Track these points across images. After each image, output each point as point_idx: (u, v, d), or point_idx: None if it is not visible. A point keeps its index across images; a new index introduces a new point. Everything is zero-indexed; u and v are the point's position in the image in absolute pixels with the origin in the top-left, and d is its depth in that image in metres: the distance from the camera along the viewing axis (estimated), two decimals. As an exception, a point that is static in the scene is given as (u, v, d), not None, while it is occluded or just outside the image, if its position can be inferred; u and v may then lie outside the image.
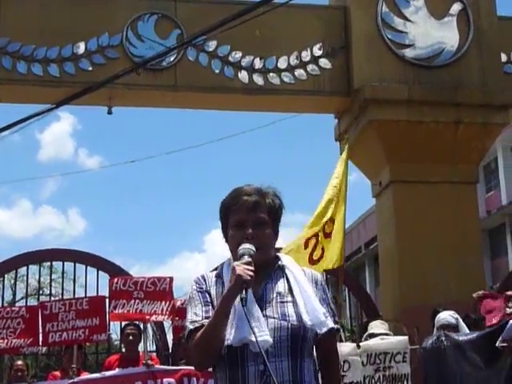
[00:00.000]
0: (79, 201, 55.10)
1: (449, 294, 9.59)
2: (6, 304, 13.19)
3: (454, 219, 10.42)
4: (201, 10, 10.44)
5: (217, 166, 54.73)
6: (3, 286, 11.42)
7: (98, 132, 58.70)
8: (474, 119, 10.64)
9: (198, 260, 54.26)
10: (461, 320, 7.65)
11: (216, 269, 3.06)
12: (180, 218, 58.01)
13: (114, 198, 57.47)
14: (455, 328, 7.57)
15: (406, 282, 10.18)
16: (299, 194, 50.50)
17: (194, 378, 7.17)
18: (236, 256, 2.84)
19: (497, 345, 5.17)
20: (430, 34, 10.90)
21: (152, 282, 7.76)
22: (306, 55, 10.70)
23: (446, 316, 7.69)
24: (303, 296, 2.86)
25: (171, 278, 7.91)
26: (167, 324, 9.47)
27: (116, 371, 7.55)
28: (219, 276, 2.95)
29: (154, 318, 7.80)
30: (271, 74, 10.59)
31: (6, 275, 11.89)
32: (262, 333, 2.70)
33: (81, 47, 10.22)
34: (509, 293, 8.00)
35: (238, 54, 10.54)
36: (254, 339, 2.69)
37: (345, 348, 7.09)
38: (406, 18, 10.92)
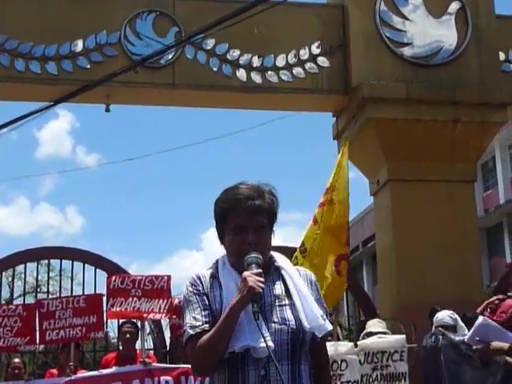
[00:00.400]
0: (77, 198, 55.05)
1: (446, 293, 9.60)
2: (3, 302, 13.20)
3: (452, 218, 10.42)
4: (199, 8, 10.43)
5: (215, 164, 54.70)
6: (0, 283, 11.40)
7: (96, 130, 58.66)
8: (472, 118, 10.64)
9: (196, 258, 54.24)
10: (459, 320, 7.65)
11: (211, 267, 3.00)
12: (178, 216, 58.00)
13: (111, 195, 57.44)
14: (453, 328, 7.57)
15: (403, 281, 10.19)
16: (297, 193, 50.50)
17: (192, 377, 7.18)
18: (238, 263, 2.82)
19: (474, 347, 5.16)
20: (428, 33, 10.89)
21: (150, 281, 7.76)
22: (304, 53, 10.70)
23: (445, 316, 7.69)
24: (301, 298, 2.84)
25: (169, 277, 7.91)
26: (165, 322, 9.49)
27: (113, 369, 7.56)
28: (214, 276, 2.90)
29: (151, 316, 7.80)
30: (269, 73, 10.59)
31: (3, 273, 11.87)
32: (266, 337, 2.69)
33: (79, 45, 10.20)
34: None
35: (236, 52, 10.54)
36: (256, 345, 2.68)
37: (342, 347, 7.10)
38: (404, 17, 10.92)
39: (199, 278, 2.90)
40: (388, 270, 10.75)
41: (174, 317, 8.13)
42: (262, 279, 2.70)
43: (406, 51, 10.79)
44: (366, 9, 10.80)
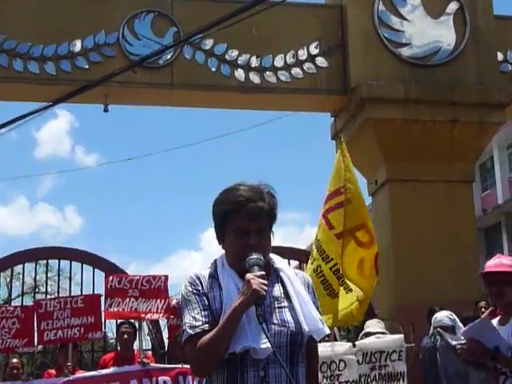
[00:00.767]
0: (76, 198, 55.05)
1: (444, 293, 9.61)
2: (1, 302, 13.19)
3: (450, 218, 10.43)
4: (197, 8, 10.43)
5: (213, 164, 54.68)
6: (-1, 284, 11.39)
7: (96, 130, 58.62)
8: (471, 118, 10.65)
9: (195, 258, 54.21)
10: (458, 321, 7.65)
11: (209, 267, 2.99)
12: (177, 216, 57.95)
13: (110, 195, 57.39)
14: (452, 329, 7.58)
15: (401, 281, 10.19)
16: (296, 193, 50.52)
17: (190, 377, 7.17)
18: (239, 264, 2.80)
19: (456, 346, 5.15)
20: (427, 33, 10.91)
21: (147, 281, 7.75)
22: (302, 54, 10.71)
23: (443, 317, 7.69)
24: (300, 301, 2.84)
25: (166, 277, 7.91)
26: (163, 322, 9.47)
27: (111, 369, 7.55)
28: (213, 276, 2.89)
29: (149, 316, 7.79)
30: (268, 73, 10.59)
31: (1, 273, 11.88)
32: (264, 340, 2.68)
33: (77, 45, 10.21)
34: None
35: (235, 53, 10.54)
36: (257, 346, 2.67)
37: (340, 347, 7.09)
38: (402, 17, 10.93)
39: (198, 278, 2.88)
40: (386, 270, 10.73)
41: (172, 317, 8.13)
42: (265, 282, 2.70)
43: (405, 51, 10.80)
44: (364, 9, 10.82)
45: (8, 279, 17.74)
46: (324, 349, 6.52)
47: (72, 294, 10.85)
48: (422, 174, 10.48)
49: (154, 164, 64.36)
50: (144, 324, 8.51)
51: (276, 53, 10.65)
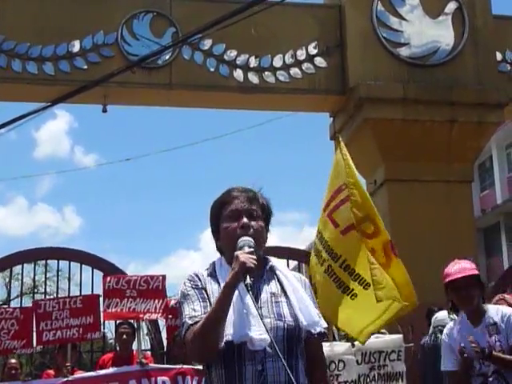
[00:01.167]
0: (75, 199, 55.04)
1: (443, 293, 9.58)
2: (0, 302, 13.19)
3: (449, 218, 10.43)
4: (196, 8, 10.43)
5: (212, 164, 54.65)
6: (-2, 284, 11.39)
7: (95, 130, 58.58)
8: (469, 118, 10.65)
9: (194, 258, 54.18)
10: (458, 320, 7.65)
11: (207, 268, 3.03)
12: (176, 216, 57.91)
13: (109, 195, 57.35)
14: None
15: (400, 281, 10.18)
16: (295, 193, 50.54)
17: (189, 377, 7.16)
18: (232, 248, 2.82)
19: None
20: (425, 33, 10.92)
21: (145, 281, 7.75)
22: (301, 54, 10.71)
23: (444, 317, 7.69)
24: (296, 296, 2.87)
25: (164, 276, 7.90)
26: (162, 323, 9.47)
27: (110, 370, 7.55)
28: (212, 275, 2.93)
29: (147, 316, 7.79)
30: (266, 73, 10.60)
31: (0, 274, 11.87)
32: (261, 331, 2.69)
33: (76, 46, 10.21)
34: None
35: (233, 53, 10.54)
36: (254, 336, 2.69)
37: (339, 347, 7.09)
38: (401, 17, 10.94)
39: (197, 275, 2.93)
40: (385, 270, 10.75)
41: (170, 317, 8.13)
42: (254, 256, 2.73)
43: (403, 51, 10.81)
44: (363, 9, 10.82)
45: (7, 279, 17.74)
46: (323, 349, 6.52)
47: (71, 294, 10.84)
48: (420, 174, 10.48)
49: (153, 164, 64.35)
50: (143, 324, 8.52)
51: (275, 53, 10.66)
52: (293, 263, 11.60)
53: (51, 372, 8.40)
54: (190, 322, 2.78)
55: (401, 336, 7.41)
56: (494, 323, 4.75)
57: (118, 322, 8.63)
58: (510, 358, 4.61)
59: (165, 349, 10.02)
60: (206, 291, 2.87)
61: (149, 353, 9.70)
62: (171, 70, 10.41)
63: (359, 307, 6.43)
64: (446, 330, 5.17)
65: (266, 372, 2.71)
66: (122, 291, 7.65)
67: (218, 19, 8.43)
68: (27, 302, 12.55)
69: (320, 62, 10.77)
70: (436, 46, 10.93)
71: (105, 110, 10.45)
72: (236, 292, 2.74)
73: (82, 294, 9.84)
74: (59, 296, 10.90)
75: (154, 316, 7.88)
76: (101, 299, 7.89)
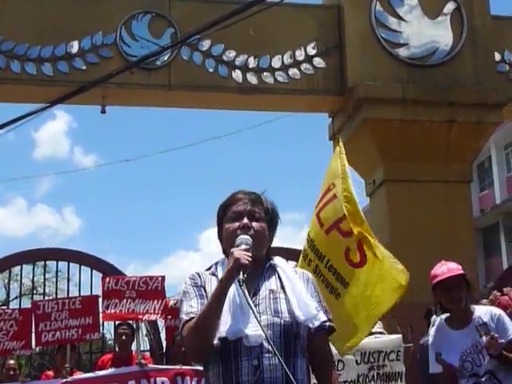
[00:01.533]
0: (74, 199, 54.95)
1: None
2: (-1, 303, 13.17)
3: (448, 218, 10.43)
4: (195, 9, 10.43)
5: (211, 164, 54.63)
6: (-3, 285, 11.40)
7: (94, 131, 58.51)
8: (468, 118, 10.65)
9: (193, 259, 54.17)
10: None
11: (210, 268, 3.07)
12: (175, 216, 57.87)
13: (109, 196, 57.29)
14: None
15: (399, 281, 10.17)
16: (294, 193, 50.52)
17: (188, 377, 7.17)
18: (231, 247, 2.85)
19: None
20: (424, 33, 10.91)
21: (144, 282, 7.75)
22: (299, 54, 10.70)
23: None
24: (295, 292, 2.88)
25: (163, 277, 7.91)
26: (161, 323, 9.48)
27: (109, 371, 7.56)
28: (214, 274, 2.97)
29: (146, 317, 7.80)
30: (265, 74, 10.59)
31: (-1, 274, 11.87)
32: (257, 327, 2.70)
33: (74, 46, 10.20)
34: None
35: (232, 53, 10.54)
36: (249, 332, 2.71)
37: (338, 347, 7.09)
38: (399, 17, 10.93)
39: (198, 274, 3.00)
40: (384, 270, 10.74)
41: (169, 317, 8.13)
42: (249, 254, 2.77)
43: (402, 52, 10.81)
44: (361, 10, 10.82)
45: (6, 281, 17.74)
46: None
47: (70, 295, 10.84)
48: (419, 174, 10.48)
49: (152, 165, 64.30)
50: (142, 325, 8.52)
51: (273, 53, 10.65)
52: (291, 264, 11.61)
53: (50, 373, 8.41)
54: (186, 317, 2.83)
55: (400, 336, 7.41)
56: (484, 323, 4.77)
57: (117, 322, 8.64)
58: None
59: (164, 349, 10.04)
60: (204, 289, 2.91)
61: (148, 353, 9.71)
62: (170, 71, 10.40)
63: (343, 308, 6.43)
64: (431, 333, 5.19)
65: (263, 368, 2.71)
66: (121, 292, 7.65)
67: (217, 20, 8.43)
68: (26, 303, 12.55)
69: (319, 62, 10.77)
70: (435, 47, 10.93)
71: (103, 111, 10.44)
72: (232, 288, 2.77)
73: (81, 294, 9.85)
74: (58, 297, 10.90)
75: (153, 317, 7.88)
76: (100, 300, 7.90)
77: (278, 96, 10.72)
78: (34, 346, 8.22)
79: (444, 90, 10.62)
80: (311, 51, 10.76)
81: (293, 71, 10.66)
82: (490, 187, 29.10)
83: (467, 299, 4.91)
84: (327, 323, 2.93)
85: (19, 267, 11.67)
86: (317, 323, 2.87)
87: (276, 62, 10.63)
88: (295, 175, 56.74)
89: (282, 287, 2.90)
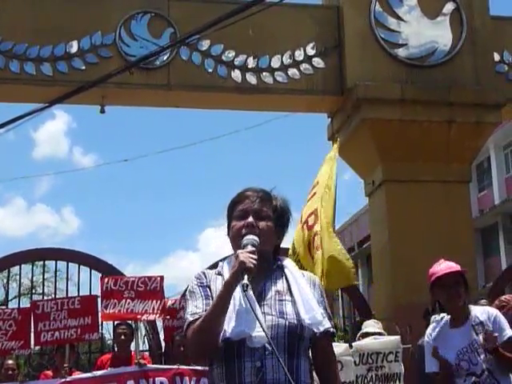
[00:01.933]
0: (73, 199, 55.17)
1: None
2: (-2, 303, 13.17)
3: (447, 218, 10.43)
4: (194, 9, 10.42)
5: (210, 164, 54.77)
6: (-4, 285, 11.40)
7: (93, 130, 58.72)
8: (467, 118, 10.65)
9: (193, 259, 54.32)
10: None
11: (215, 267, 3.08)
12: (174, 216, 58.04)
13: (108, 196, 57.48)
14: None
15: (398, 281, 10.19)
16: (293, 193, 50.35)
17: (187, 377, 7.17)
18: (237, 246, 2.87)
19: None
20: (423, 34, 10.91)
21: (143, 282, 7.76)
22: (299, 54, 10.70)
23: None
24: (302, 295, 2.88)
25: (162, 277, 7.92)
26: (160, 323, 9.48)
27: (108, 370, 7.56)
28: (220, 274, 2.97)
29: (145, 317, 7.80)
30: (264, 74, 10.59)
31: (-2, 274, 11.86)
32: (260, 328, 2.70)
33: (74, 46, 10.19)
34: None
35: (232, 53, 10.54)
36: (252, 333, 2.71)
37: (337, 348, 7.08)
38: (399, 18, 10.93)
39: (204, 274, 3.00)
40: (383, 270, 10.76)
41: (168, 317, 8.14)
42: (255, 256, 2.76)
43: (401, 52, 10.80)
44: (360, 10, 10.81)
45: (5, 280, 17.72)
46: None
47: (69, 295, 10.84)
48: (418, 175, 10.48)
49: (152, 165, 64.44)
50: (141, 325, 8.52)
51: (273, 53, 10.64)
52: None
53: (49, 373, 8.41)
54: (191, 318, 2.84)
55: (398, 337, 7.42)
56: (480, 322, 4.79)
57: (116, 322, 8.64)
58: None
59: (163, 349, 10.04)
60: (209, 288, 2.91)
61: (147, 353, 9.72)
62: (169, 71, 10.40)
63: None
64: (428, 332, 5.20)
65: (265, 369, 2.72)
66: (120, 292, 7.66)
67: (216, 20, 8.42)
68: (25, 303, 12.56)
69: (318, 62, 10.76)
70: (434, 47, 10.92)
71: (103, 111, 10.44)
72: (237, 290, 2.77)
73: (80, 294, 9.85)
74: (57, 297, 10.89)
75: (151, 317, 7.89)
76: (99, 300, 7.90)
77: (278, 96, 10.72)
78: (32, 346, 8.22)
79: (443, 91, 10.62)
80: (310, 51, 10.75)
81: (292, 71, 10.65)
82: (489, 188, 29.11)
83: (465, 298, 4.92)
84: (331, 329, 2.95)
85: (18, 267, 11.66)
86: (322, 329, 2.88)
87: (275, 62, 10.63)
88: (294, 175, 56.81)
89: (289, 289, 2.90)
